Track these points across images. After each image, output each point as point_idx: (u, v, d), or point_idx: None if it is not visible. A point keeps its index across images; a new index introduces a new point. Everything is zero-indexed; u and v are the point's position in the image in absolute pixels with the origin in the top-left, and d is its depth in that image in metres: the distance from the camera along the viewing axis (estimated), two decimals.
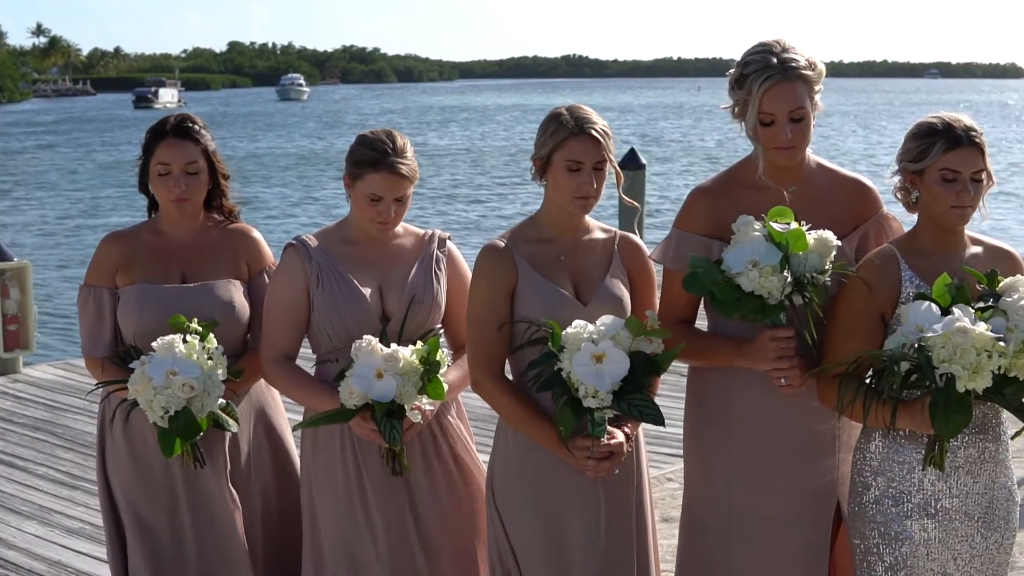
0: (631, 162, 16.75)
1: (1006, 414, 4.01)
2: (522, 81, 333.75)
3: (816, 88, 4.19)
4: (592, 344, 4.02)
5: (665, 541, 6.93)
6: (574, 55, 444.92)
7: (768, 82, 4.11)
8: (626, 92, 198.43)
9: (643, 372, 4.09)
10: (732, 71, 4.24)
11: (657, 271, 4.47)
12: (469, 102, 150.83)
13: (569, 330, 4.07)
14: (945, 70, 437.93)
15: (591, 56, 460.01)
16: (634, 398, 4.05)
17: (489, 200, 39.09)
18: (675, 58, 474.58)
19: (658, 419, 4.05)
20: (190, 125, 4.65)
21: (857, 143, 64.88)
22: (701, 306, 4.37)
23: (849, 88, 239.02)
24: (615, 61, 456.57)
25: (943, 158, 3.96)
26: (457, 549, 4.58)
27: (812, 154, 4.39)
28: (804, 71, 4.14)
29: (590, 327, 4.07)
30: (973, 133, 3.98)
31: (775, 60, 4.14)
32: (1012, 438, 4.07)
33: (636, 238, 4.51)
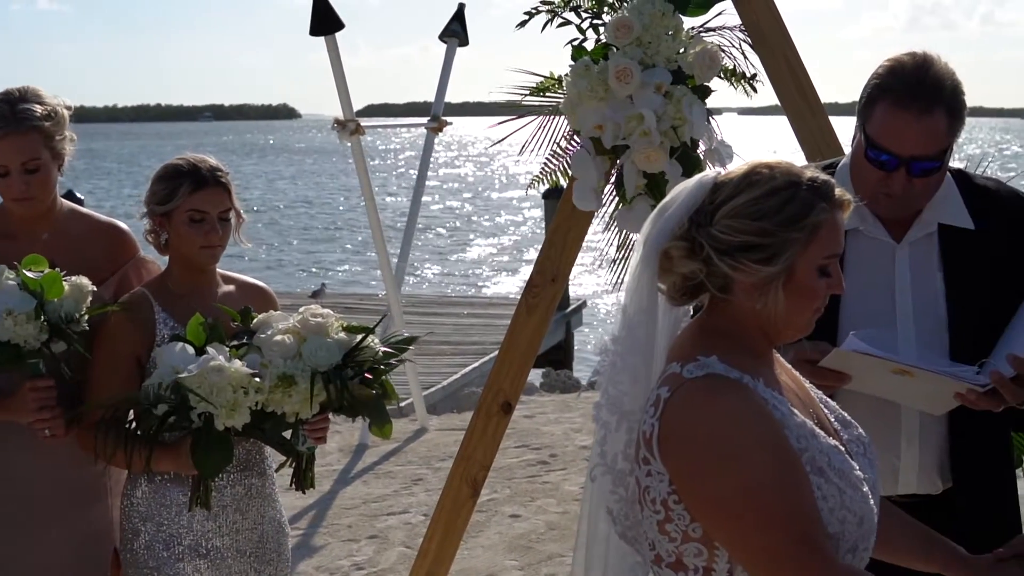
0: None
1: (269, 449, 4.09)
2: None
3: (57, 137, 4.13)
4: None
5: None
6: None
7: None
8: None
9: None
10: None
11: None
12: None
13: None
14: (219, 112, 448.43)
15: None
16: None
17: None
18: None
19: None
20: None
21: (136, 188, 64.81)
22: None
23: (122, 132, 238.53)
24: None
25: (190, 199, 3.98)
26: None
27: (66, 202, 4.34)
28: (38, 122, 4.07)
29: None
30: (219, 173, 4.04)
31: (9, 110, 4.05)
32: (277, 471, 4.15)
33: None
